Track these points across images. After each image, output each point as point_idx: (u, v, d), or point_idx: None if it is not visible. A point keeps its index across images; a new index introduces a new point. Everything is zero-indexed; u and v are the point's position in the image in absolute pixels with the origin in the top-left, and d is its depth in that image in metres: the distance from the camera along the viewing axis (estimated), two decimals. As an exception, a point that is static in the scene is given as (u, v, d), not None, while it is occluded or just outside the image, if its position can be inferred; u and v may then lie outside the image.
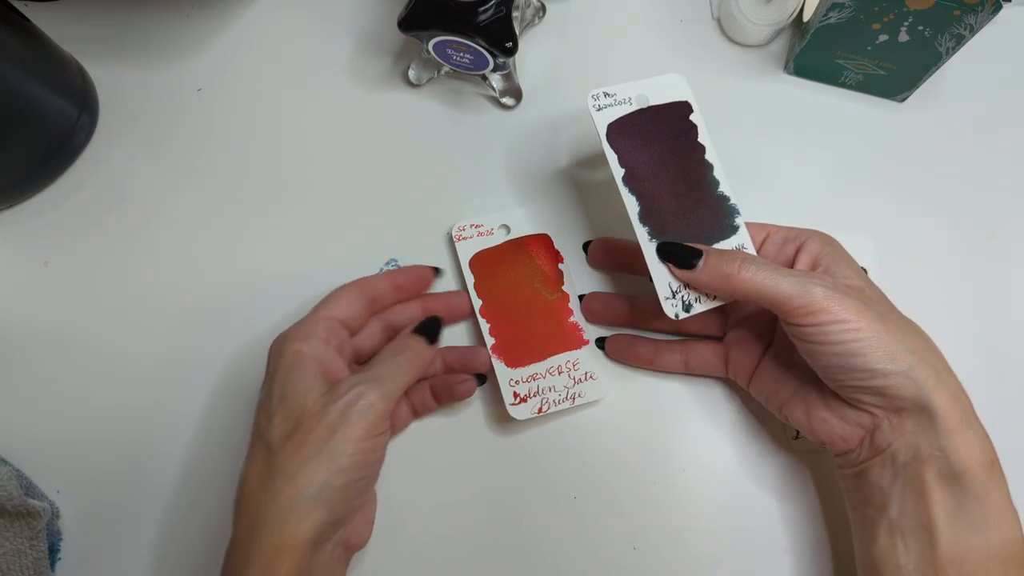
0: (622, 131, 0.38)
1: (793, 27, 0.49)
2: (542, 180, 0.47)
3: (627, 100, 0.38)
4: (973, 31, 0.41)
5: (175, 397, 0.43)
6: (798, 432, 0.41)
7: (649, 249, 0.36)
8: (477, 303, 0.42)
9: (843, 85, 0.48)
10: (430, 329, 0.38)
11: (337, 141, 0.48)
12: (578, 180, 0.47)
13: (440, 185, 0.47)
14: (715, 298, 0.36)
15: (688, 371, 0.42)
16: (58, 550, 0.40)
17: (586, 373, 0.41)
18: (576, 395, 0.41)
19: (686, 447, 0.42)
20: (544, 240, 0.44)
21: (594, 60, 0.50)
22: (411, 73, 0.48)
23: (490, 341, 0.41)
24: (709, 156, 0.38)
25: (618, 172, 0.37)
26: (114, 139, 0.48)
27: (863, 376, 0.32)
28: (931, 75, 0.45)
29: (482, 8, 0.41)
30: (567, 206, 0.46)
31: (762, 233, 0.38)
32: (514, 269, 0.43)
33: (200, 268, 0.46)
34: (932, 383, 0.32)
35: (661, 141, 0.38)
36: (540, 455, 0.42)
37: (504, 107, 0.49)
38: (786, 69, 0.49)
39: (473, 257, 0.43)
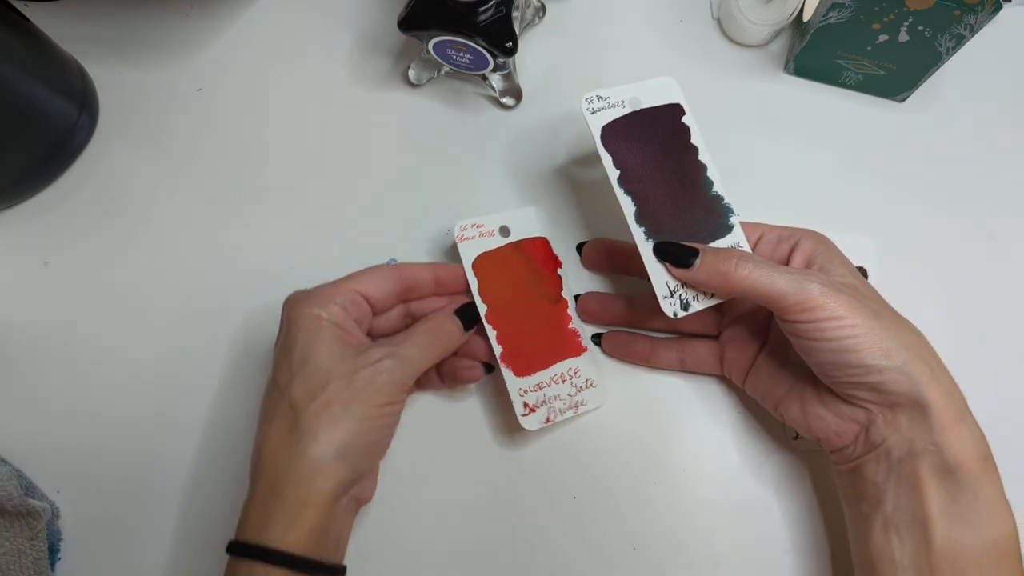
0: (616, 133, 0.38)
1: (793, 27, 0.49)
2: (541, 180, 0.47)
3: (620, 103, 0.38)
4: (973, 31, 0.41)
5: (175, 397, 0.43)
6: (797, 432, 0.41)
7: (646, 249, 0.36)
8: (482, 308, 0.40)
9: (843, 85, 0.48)
10: (468, 316, 0.39)
11: (337, 141, 0.48)
12: (577, 180, 0.47)
13: (439, 185, 0.47)
14: (712, 296, 0.36)
15: (684, 368, 0.42)
16: (58, 550, 0.40)
17: (587, 380, 0.41)
18: (579, 403, 0.41)
19: (685, 447, 0.42)
20: (543, 244, 0.43)
21: (594, 60, 0.50)
22: (411, 73, 0.48)
23: (498, 349, 0.40)
24: (703, 157, 0.39)
25: (613, 174, 0.37)
26: (114, 139, 0.48)
27: (858, 372, 0.32)
28: (931, 75, 0.45)
29: (482, 8, 0.41)
30: (566, 206, 0.46)
31: (756, 232, 0.38)
32: (516, 273, 0.42)
33: (200, 268, 0.46)
34: (926, 379, 0.32)
35: (655, 143, 0.38)
36: (540, 455, 0.42)
37: (504, 107, 0.49)
38: (786, 69, 0.49)
39: (476, 259, 0.41)
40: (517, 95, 0.48)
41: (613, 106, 0.38)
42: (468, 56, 0.43)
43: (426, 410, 0.43)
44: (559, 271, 0.43)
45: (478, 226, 0.42)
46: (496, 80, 0.47)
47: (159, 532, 0.41)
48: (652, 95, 0.39)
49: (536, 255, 0.43)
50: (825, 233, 0.37)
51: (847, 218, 0.46)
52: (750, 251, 0.37)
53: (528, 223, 0.44)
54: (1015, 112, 0.48)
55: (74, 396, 0.43)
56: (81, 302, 0.45)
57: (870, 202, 0.46)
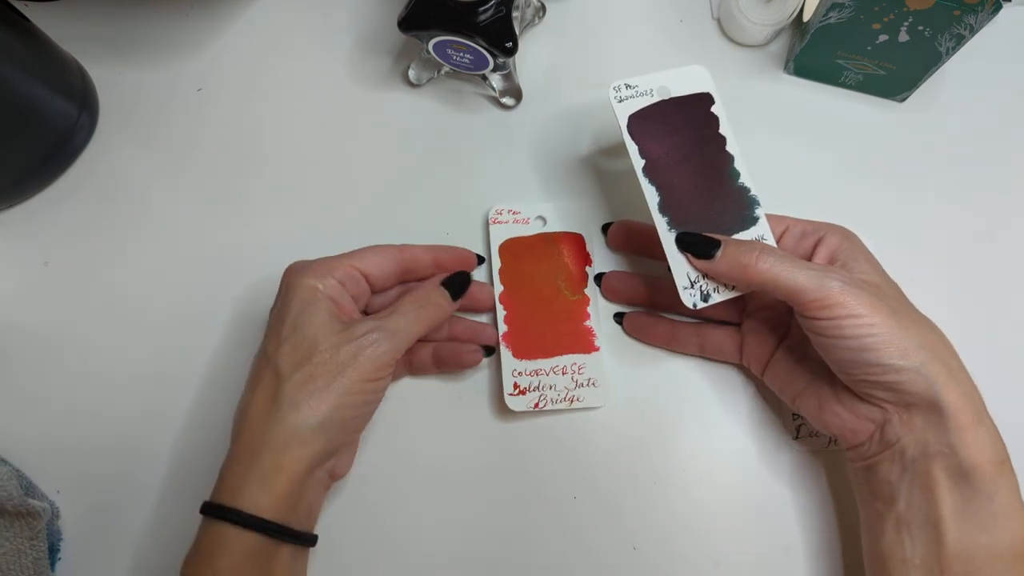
0: (643, 122, 0.38)
1: (793, 27, 0.49)
2: (541, 180, 0.47)
3: (649, 92, 0.38)
4: (973, 31, 0.41)
5: (175, 397, 0.43)
6: (798, 432, 0.41)
7: (668, 239, 0.36)
8: (498, 288, 0.42)
9: (843, 85, 0.48)
10: (456, 284, 0.39)
11: (337, 141, 0.48)
12: (577, 179, 0.47)
13: (439, 185, 0.47)
14: (733, 288, 0.36)
15: (703, 354, 0.42)
16: (58, 550, 0.40)
17: (589, 379, 0.42)
18: (575, 398, 0.41)
19: (685, 447, 0.42)
20: (577, 239, 0.44)
21: (594, 60, 0.50)
22: (411, 73, 0.48)
23: (503, 328, 0.42)
24: (730, 147, 0.38)
25: (638, 163, 0.37)
26: (114, 139, 0.48)
27: (875, 371, 0.32)
28: (931, 75, 0.45)
29: (482, 8, 0.41)
30: (565, 205, 0.46)
31: (782, 225, 0.38)
32: (542, 263, 0.43)
33: (201, 268, 0.46)
34: (943, 380, 0.32)
35: (682, 132, 0.38)
36: (540, 455, 0.42)
37: (504, 107, 0.49)
38: (786, 69, 0.49)
39: (504, 243, 0.43)
40: (517, 95, 0.48)
41: (641, 95, 0.38)
42: (468, 56, 0.43)
43: (425, 409, 0.43)
44: (587, 268, 0.44)
45: (514, 212, 0.44)
46: (496, 80, 0.47)
47: (159, 532, 0.41)
48: (682, 84, 0.39)
49: (568, 249, 0.44)
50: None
51: (847, 218, 0.45)
52: (775, 244, 0.37)
53: (564, 218, 0.45)
54: (1015, 112, 0.48)
55: (74, 396, 0.43)
56: (81, 302, 0.45)
57: (870, 202, 0.46)
